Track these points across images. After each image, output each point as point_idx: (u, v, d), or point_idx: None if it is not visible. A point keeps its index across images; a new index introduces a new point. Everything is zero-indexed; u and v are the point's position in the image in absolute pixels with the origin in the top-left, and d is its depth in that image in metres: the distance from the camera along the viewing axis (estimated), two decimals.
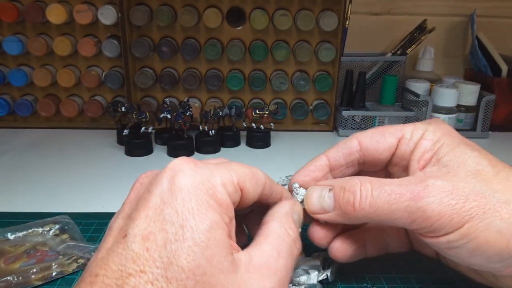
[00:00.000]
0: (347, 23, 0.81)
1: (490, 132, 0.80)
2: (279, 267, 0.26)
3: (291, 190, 0.35)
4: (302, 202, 0.34)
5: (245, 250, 0.26)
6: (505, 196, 0.28)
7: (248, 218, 0.35)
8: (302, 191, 0.35)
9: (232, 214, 0.26)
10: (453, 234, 0.28)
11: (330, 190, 0.32)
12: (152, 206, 0.24)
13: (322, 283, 0.36)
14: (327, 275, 0.36)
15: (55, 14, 0.72)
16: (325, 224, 0.34)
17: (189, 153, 0.68)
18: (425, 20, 0.86)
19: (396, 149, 0.34)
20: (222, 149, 0.71)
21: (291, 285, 0.35)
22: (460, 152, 0.30)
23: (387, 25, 0.91)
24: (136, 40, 0.74)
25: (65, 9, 0.72)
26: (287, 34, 0.77)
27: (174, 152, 0.67)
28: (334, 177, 0.36)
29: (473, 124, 0.80)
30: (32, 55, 0.76)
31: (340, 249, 0.34)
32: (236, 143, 0.73)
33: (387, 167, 0.36)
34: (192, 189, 0.24)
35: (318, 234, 0.34)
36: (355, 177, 0.31)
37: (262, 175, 0.29)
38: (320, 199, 0.32)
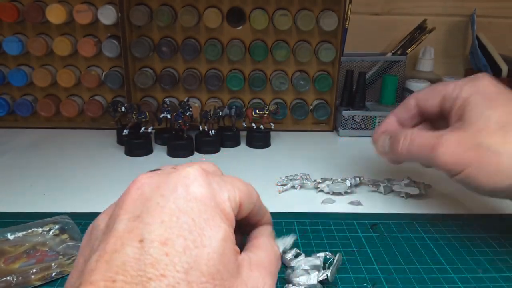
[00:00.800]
0: (347, 23, 0.81)
1: None
2: (272, 271, 0.29)
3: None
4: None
5: (243, 253, 0.29)
6: (498, 147, 0.37)
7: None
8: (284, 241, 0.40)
9: (235, 223, 0.28)
10: (459, 176, 0.39)
11: (389, 138, 0.46)
12: (168, 212, 0.25)
13: (322, 283, 0.36)
14: (327, 275, 0.36)
15: (55, 14, 0.72)
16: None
17: (189, 153, 0.68)
18: (425, 20, 0.86)
19: (440, 106, 0.44)
20: (222, 149, 0.71)
21: (291, 285, 0.35)
22: (479, 112, 0.39)
23: (387, 25, 0.91)
24: (136, 40, 0.74)
25: (65, 9, 0.72)
26: (287, 34, 0.77)
27: (174, 152, 0.67)
28: (404, 125, 0.49)
29: None
30: (32, 55, 0.76)
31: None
32: (236, 143, 0.73)
33: (442, 115, 0.45)
34: (206, 200, 0.26)
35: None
36: (405, 129, 0.46)
37: (255, 194, 0.32)
38: (384, 145, 0.47)
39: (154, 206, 0.25)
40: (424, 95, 0.46)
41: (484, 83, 0.41)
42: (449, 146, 0.39)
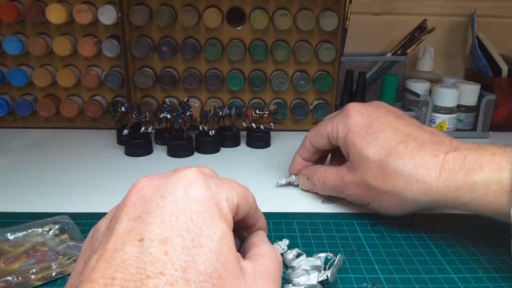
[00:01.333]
0: (347, 23, 0.81)
1: (490, 132, 0.79)
2: (278, 279, 0.30)
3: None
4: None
5: (248, 260, 0.29)
6: (383, 187, 0.42)
7: None
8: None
9: (232, 228, 0.28)
10: (368, 207, 0.47)
11: (308, 178, 0.53)
12: (167, 212, 0.25)
13: (322, 283, 0.36)
14: (327, 275, 0.36)
15: (55, 14, 0.72)
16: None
17: (189, 153, 0.68)
18: (425, 20, 0.86)
19: (330, 144, 0.50)
20: (222, 149, 0.71)
21: (291, 285, 0.35)
22: (357, 155, 0.45)
23: (387, 25, 0.91)
24: (136, 40, 0.74)
25: (65, 9, 0.72)
26: (287, 34, 0.77)
27: (174, 152, 0.67)
28: (310, 161, 0.54)
29: (473, 124, 0.80)
30: (32, 55, 0.76)
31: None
32: (236, 143, 0.73)
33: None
34: (205, 200, 0.27)
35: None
36: (316, 169, 0.52)
37: (251, 196, 0.32)
38: (305, 183, 0.54)
39: (154, 207, 0.25)
40: (314, 138, 0.51)
41: (353, 119, 0.45)
42: (350, 189, 0.46)
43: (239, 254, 0.28)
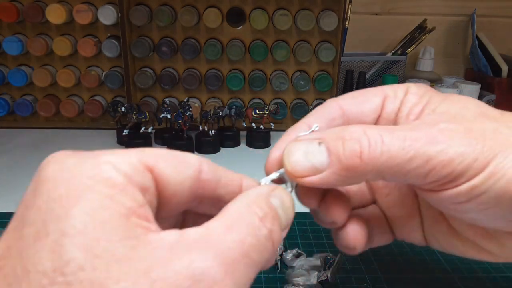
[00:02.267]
0: (347, 23, 0.81)
1: None
2: (225, 242, 0.18)
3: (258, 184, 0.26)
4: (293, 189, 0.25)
5: (177, 230, 0.19)
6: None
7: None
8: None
9: (141, 198, 0.19)
10: (478, 178, 0.23)
11: (320, 143, 0.24)
12: (15, 218, 0.18)
13: (322, 283, 0.36)
14: (327, 275, 0.36)
15: (55, 14, 0.72)
16: (339, 195, 0.27)
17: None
18: (425, 20, 0.86)
19: (381, 109, 0.28)
20: (222, 149, 0.71)
21: (290, 285, 0.35)
22: (456, 99, 0.27)
23: (387, 25, 0.91)
24: (136, 40, 0.74)
25: (65, 9, 0.72)
26: (287, 34, 0.77)
27: None
28: None
29: None
30: (32, 55, 0.76)
31: (358, 231, 0.28)
32: (236, 143, 0.73)
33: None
34: (61, 174, 0.18)
35: (337, 206, 0.27)
36: (351, 125, 0.25)
37: (193, 157, 0.22)
38: (309, 155, 0.24)
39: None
40: (354, 99, 0.29)
41: (424, 85, 0.29)
42: (456, 134, 0.23)
43: (150, 226, 0.18)
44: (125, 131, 0.67)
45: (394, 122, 0.28)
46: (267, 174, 0.26)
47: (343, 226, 0.28)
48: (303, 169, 0.24)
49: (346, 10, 0.78)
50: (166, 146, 0.69)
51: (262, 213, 0.20)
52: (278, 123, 0.80)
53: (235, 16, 0.75)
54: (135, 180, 0.19)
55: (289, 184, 0.25)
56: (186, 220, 0.26)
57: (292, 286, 0.35)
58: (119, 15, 0.72)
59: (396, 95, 0.28)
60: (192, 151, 0.68)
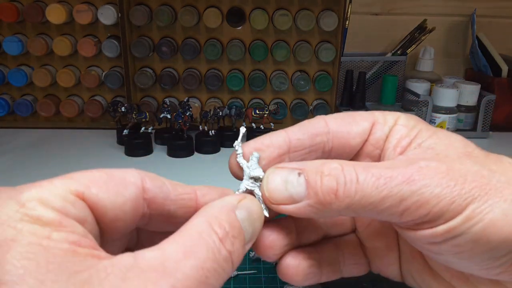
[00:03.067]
0: (347, 23, 0.81)
1: (490, 132, 0.79)
2: (183, 269, 0.17)
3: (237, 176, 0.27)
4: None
5: (131, 253, 0.18)
6: (505, 177, 0.23)
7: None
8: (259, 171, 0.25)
9: (81, 228, 0.18)
10: (455, 220, 0.22)
11: (299, 174, 0.24)
12: None
13: (322, 283, 0.36)
14: None
15: (55, 14, 0.72)
16: (279, 228, 0.27)
17: (189, 153, 0.68)
18: (425, 20, 0.86)
19: (369, 135, 0.27)
20: (222, 149, 0.71)
21: (291, 285, 0.35)
22: (444, 136, 0.26)
23: (387, 25, 0.91)
24: (136, 40, 0.74)
25: (65, 9, 0.72)
26: (287, 34, 0.77)
27: (174, 152, 0.67)
28: (285, 154, 0.27)
29: (473, 124, 0.80)
30: (32, 55, 0.76)
31: (293, 266, 0.27)
32: None
33: (356, 158, 0.28)
34: None
35: (268, 240, 0.26)
36: (331, 160, 0.24)
37: (133, 175, 0.21)
38: (288, 185, 0.24)
39: None
40: (343, 119, 0.28)
41: (415, 117, 0.28)
42: (436, 174, 0.23)
43: (94, 253, 0.17)
44: (125, 131, 0.67)
45: (381, 150, 0.27)
46: (232, 169, 0.27)
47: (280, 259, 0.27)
48: (280, 197, 0.24)
49: (346, 10, 0.78)
50: (166, 146, 0.69)
51: (222, 232, 0.20)
52: (278, 123, 0.80)
53: (235, 16, 0.75)
54: (69, 213, 0.18)
55: (263, 206, 0.25)
56: (141, 237, 0.25)
57: (292, 286, 0.35)
58: (119, 15, 0.72)
59: (385, 122, 0.27)
60: (192, 151, 0.68)
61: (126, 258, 0.17)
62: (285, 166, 0.25)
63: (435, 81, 0.84)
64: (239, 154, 0.26)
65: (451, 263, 0.25)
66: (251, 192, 0.25)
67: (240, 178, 0.26)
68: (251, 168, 0.25)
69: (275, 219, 0.27)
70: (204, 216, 0.20)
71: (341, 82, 0.82)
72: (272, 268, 0.40)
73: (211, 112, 0.68)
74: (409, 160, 0.24)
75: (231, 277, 0.39)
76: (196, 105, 0.77)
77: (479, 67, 0.85)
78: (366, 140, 0.27)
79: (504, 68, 0.81)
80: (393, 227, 0.27)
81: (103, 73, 0.77)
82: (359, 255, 0.31)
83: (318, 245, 0.30)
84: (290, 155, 0.27)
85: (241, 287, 0.38)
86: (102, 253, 0.17)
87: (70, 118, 0.80)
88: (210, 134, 0.69)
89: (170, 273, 0.17)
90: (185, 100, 0.68)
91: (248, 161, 0.26)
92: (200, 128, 0.69)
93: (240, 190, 0.25)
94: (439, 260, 0.26)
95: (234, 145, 0.26)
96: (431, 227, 0.23)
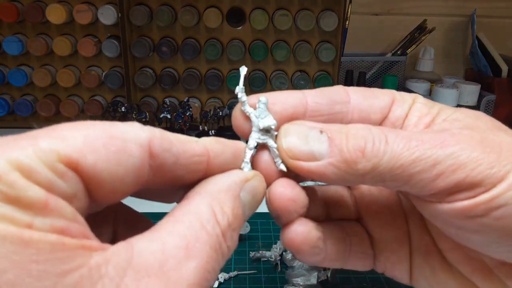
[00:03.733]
0: (347, 23, 0.81)
1: None
2: (185, 275, 0.15)
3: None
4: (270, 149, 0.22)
5: (124, 245, 0.15)
6: None
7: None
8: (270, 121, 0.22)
9: (69, 209, 0.14)
10: (498, 188, 0.19)
11: (321, 132, 0.21)
12: None
13: (322, 283, 0.36)
14: (327, 275, 0.36)
15: (55, 14, 0.72)
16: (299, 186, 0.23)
17: None
18: (425, 20, 0.86)
19: (389, 111, 0.25)
20: None
21: (291, 285, 0.35)
22: (469, 111, 0.24)
23: (387, 25, 0.91)
24: (136, 40, 0.74)
25: (65, 9, 0.72)
26: (287, 34, 0.77)
27: None
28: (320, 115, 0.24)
29: None
30: (32, 55, 0.76)
31: (302, 232, 0.24)
32: None
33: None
34: None
35: (293, 193, 0.23)
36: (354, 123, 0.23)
37: (137, 135, 0.17)
38: (309, 139, 0.21)
39: None
40: (364, 92, 0.26)
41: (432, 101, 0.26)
42: (470, 140, 0.21)
43: (85, 244, 0.14)
44: None
45: (400, 128, 0.25)
46: (236, 122, 0.23)
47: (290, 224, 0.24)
48: (299, 152, 0.21)
49: (346, 10, 0.78)
50: None
51: (225, 224, 0.18)
52: None
53: (235, 16, 0.75)
54: (56, 188, 0.14)
55: (279, 161, 0.22)
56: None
57: (292, 286, 0.35)
58: (119, 15, 0.72)
59: (404, 101, 0.25)
60: None
61: (122, 252, 0.15)
62: (304, 123, 0.22)
63: (435, 81, 0.84)
64: (243, 102, 0.22)
65: (482, 246, 0.22)
66: (263, 146, 0.22)
67: (246, 134, 0.23)
68: (260, 117, 0.22)
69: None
70: (207, 198, 0.18)
71: (341, 82, 0.82)
72: (272, 268, 0.40)
73: (211, 112, 0.69)
74: (440, 129, 0.22)
75: (231, 277, 0.39)
76: (196, 105, 0.77)
77: (479, 67, 0.85)
78: (385, 117, 0.25)
79: (504, 68, 0.81)
80: (403, 218, 0.26)
81: (103, 73, 0.77)
82: (366, 245, 0.28)
83: (324, 223, 0.26)
84: (305, 119, 0.24)
85: (241, 287, 0.38)
86: (93, 242, 0.15)
87: (70, 118, 0.80)
88: (210, 134, 0.69)
89: (171, 276, 0.15)
90: (185, 100, 0.68)
91: (255, 109, 0.22)
92: (200, 128, 0.69)
93: (251, 146, 0.22)
94: (469, 244, 0.22)
95: (236, 92, 0.22)
96: (470, 197, 0.20)
